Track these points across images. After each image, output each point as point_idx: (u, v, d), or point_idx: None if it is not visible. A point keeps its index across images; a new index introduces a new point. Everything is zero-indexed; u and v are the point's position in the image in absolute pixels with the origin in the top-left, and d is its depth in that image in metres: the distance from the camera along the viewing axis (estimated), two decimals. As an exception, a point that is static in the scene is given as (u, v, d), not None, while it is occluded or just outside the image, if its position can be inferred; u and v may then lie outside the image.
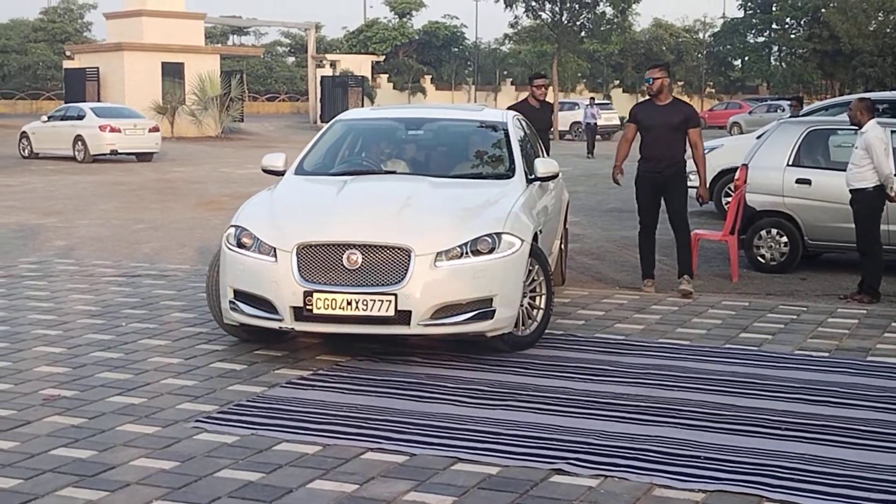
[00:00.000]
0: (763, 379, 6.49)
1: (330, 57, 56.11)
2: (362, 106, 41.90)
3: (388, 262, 6.56)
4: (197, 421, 5.53)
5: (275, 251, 6.71)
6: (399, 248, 6.58)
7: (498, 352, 7.00)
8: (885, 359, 7.11)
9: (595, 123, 35.40)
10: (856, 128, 9.42)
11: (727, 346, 7.46)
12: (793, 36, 70.61)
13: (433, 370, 6.61)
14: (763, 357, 7.11)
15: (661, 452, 5.07)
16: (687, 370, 6.69)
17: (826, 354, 7.23)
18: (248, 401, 5.93)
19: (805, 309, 8.82)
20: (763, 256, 10.96)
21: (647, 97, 9.61)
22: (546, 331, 7.43)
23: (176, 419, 5.58)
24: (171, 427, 5.44)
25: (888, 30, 56.57)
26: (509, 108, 10.28)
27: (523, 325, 7.11)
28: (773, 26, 72.12)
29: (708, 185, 9.91)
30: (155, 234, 13.72)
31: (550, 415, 5.69)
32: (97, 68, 42.28)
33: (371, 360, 6.84)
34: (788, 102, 18.89)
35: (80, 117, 29.27)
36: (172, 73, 42.45)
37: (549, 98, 10.45)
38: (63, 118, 30.00)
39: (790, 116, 15.39)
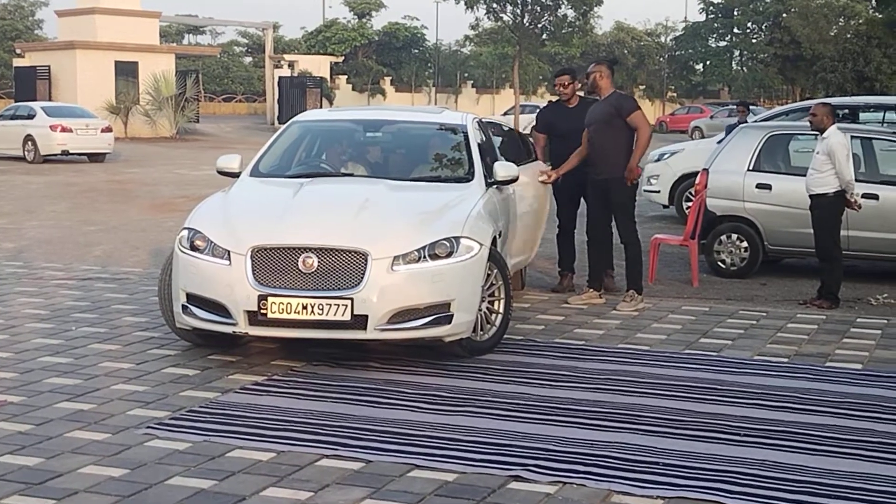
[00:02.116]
0: (723, 384, 6.53)
1: (288, 57, 55.90)
2: (321, 107, 41.77)
3: (344, 266, 6.54)
4: (148, 427, 5.48)
5: (229, 254, 6.67)
6: (355, 252, 6.56)
7: (457, 357, 7.00)
8: (845, 364, 7.18)
9: None
10: (816, 133, 9.49)
11: (687, 351, 7.50)
12: (754, 41, 71.32)
13: (391, 375, 6.60)
14: (723, 362, 7.15)
15: (621, 459, 5.09)
16: (647, 375, 6.72)
17: (785, 360, 7.29)
18: (201, 407, 5.88)
19: (765, 314, 8.89)
20: (723, 261, 11.03)
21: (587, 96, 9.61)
22: (505, 336, 7.43)
23: (126, 425, 5.52)
24: (122, 433, 5.39)
25: (849, 35, 57.26)
26: (540, 111, 10.31)
27: (482, 329, 7.12)
28: (735, 31, 72.80)
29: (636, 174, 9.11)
30: (107, 236, 13.60)
31: (509, 421, 5.69)
32: (48, 67, 41.85)
33: (327, 365, 6.81)
34: (735, 107, 18.81)
35: (31, 116, 28.96)
36: (126, 72, 42.12)
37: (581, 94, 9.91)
38: (13, 117, 29.67)
39: (738, 123, 15.51)
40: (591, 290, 9.24)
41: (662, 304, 9.23)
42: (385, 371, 6.70)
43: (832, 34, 58.93)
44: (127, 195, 19.56)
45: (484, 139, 8.64)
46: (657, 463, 5.04)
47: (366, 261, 6.53)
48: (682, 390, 6.38)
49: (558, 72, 10.06)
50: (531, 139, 10.39)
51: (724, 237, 11.02)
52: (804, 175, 9.66)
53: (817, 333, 8.19)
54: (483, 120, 9.25)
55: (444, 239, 6.78)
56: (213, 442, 5.26)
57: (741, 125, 13.15)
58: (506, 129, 10.27)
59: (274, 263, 6.58)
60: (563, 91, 9.83)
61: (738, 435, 5.51)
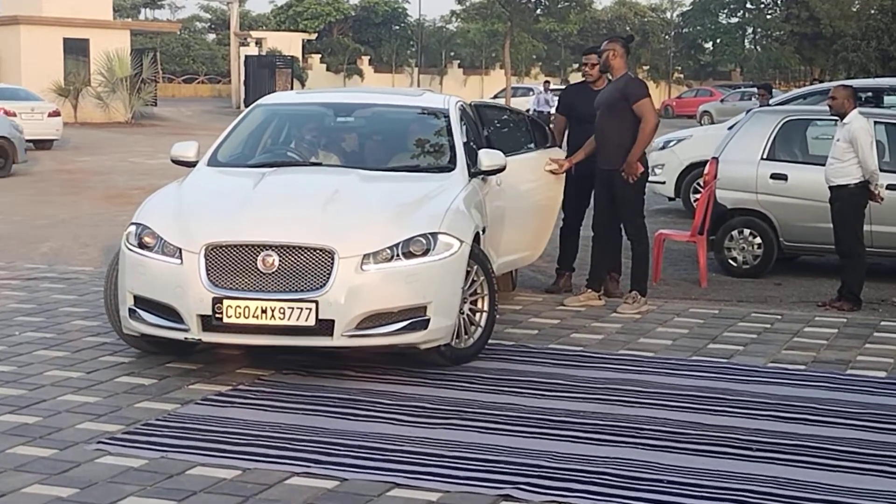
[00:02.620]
0: (733, 394, 6.55)
1: (255, 34, 55.79)
2: (292, 89, 41.74)
3: (308, 266, 6.51)
4: (99, 442, 5.47)
5: (180, 252, 6.63)
6: (321, 250, 6.53)
7: (440, 365, 7.00)
8: (867, 372, 7.21)
9: (548, 112, 34.90)
10: (836, 118, 9.52)
11: (694, 358, 7.52)
12: (769, 16, 71.55)
13: (368, 385, 6.60)
14: (733, 370, 7.18)
15: (621, 476, 5.09)
16: (650, 385, 6.74)
17: (802, 367, 7.32)
18: (158, 419, 5.87)
19: (780, 317, 8.92)
20: (734, 259, 11.07)
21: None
22: (494, 341, 7.44)
23: (75, 440, 5.51)
24: (70, 449, 5.38)
25: (872, 11, 57.48)
26: (563, 91, 10.36)
27: (464, 335, 7.09)
28: (748, 6, 73.05)
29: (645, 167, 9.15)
30: (55, 231, 13.57)
31: (498, 434, 5.69)
32: (-11, 44, 41.68)
33: (298, 374, 6.81)
34: (756, 91, 18.82)
35: (-31, 100, 28.82)
36: (76, 50, 41.93)
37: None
38: (-50, 100, 29.50)
39: (759, 107, 15.55)
40: (590, 290, 9.25)
41: (667, 307, 9.26)
42: (361, 380, 6.70)
43: (854, 10, 59.17)
44: (77, 186, 19.51)
45: (469, 125, 8.64)
46: (660, 480, 5.05)
47: (332, 260, 6.50)
48: (689, 401, 6.40)
49: (586, 50, 10.12)
50: (552, 124, 10.38)
51: (735, 232, 11.05)
52: (823, 164, 9.69)
53: (837, 338, 8.22)
54: (474, 103, 9.24)
55: (420, 235, 6.75)
56: (171, 458, 5.25)
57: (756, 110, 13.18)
58: (508, 111, 10.23)
59: (230, 263, 6.55)
60: (589, 72, 9.85)
61: (750, 450, 5.52)
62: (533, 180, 9.18)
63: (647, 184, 9.34)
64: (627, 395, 6.50)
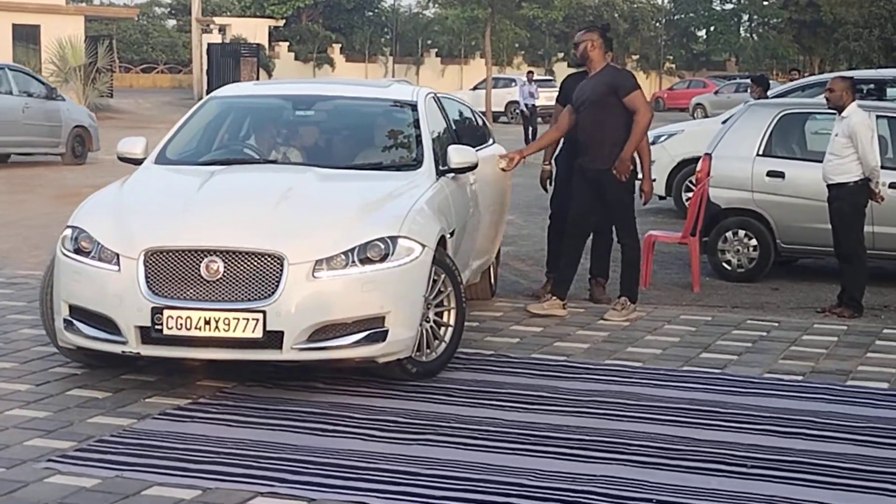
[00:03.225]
0: (727, 407, 6.56)
1: (218, 20, 55.63)
2: (258, 79, 41.65)
3: (255, 272, 6.45)
4: (49, 460, 5.45)
5: (118, 258, 6.57)
6: (269, 255, 6.47)
7: (402, 379, 6.93)
8: (868, 383, 7.25)
9: (533, 105, 34.98)
10: (835, 112, 9.54)
11: (685, 368, 7.54)
12: (766, 3, 71.84)
13: (337, 398, 6.59)
14: (727, 381, 7.20)
15: (607, 495, 5.10)
16: (638, 397, 6.75)
17: (800, 378, 7.34)
18: (113, 435, 5.85)
19: (776, 324, 8.95)
20: (729, 262, 11.10)
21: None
22: (472, 350, 7.44)
23: (23, 458, 5.48)
24: (18, 468, 5.35)
25: (875, -3, 57.77)
26: (564, 80, 10.09)
27: (427, 347, 7.01)
28: (744, -9, 73.32)
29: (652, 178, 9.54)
30: (2, 232, 13.51)
31: (476, 451, 5.69)
32: (-69, 31, 41.48)
33: (262, 386, 6.79)
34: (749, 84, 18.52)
35: (-90, 90, 28.63)
36: (26, 37, 41.79)
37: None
38: None
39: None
40: (555, 297, 9.09)
41: (658, 313, 9.28)
42: (331, 392, 6.69)
43: (856, -4, 59.39)
44: (26, 184, 19.43)
45: (440, 119, 8.60)
46: (649, 500, 5.06)
47: (281, 266, 6.44)
48: (680, 414, 6.41)
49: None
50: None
51: (729, 234, 11.09)
52: (822, 161, 9.72)
53: (837, 347, 8.25)
54: (437, 95, 9.16)
55: (378, 239, 6.67)
56: (126, 478, 5.23)
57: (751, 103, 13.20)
58: (461, 104, 10.11)
59: (171, 269, 6.49)
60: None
61: (745, 466, 5.54)
62: (492, 177, 9.13)
63: (637, 181, 9.35)
64: (615, 408, 6.50)
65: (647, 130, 9.20)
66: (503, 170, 9.29)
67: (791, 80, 21.85)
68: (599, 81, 8.99)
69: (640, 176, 9.41)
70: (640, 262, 9.27)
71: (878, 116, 10.43)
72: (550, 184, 9.89)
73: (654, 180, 16.13)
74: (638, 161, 9.21)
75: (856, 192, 9.39)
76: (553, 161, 9.94)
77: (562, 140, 9.64)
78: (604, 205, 9.09)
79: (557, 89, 10.37)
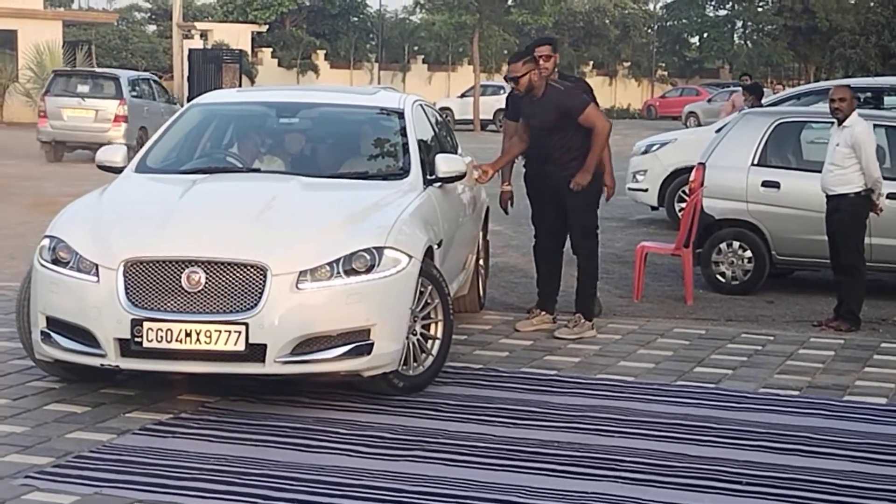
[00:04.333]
0: (721, 423, 6.58)
1: (200, 26, 55.61)
2: (240, 86, 41.64)
3: (237, 284, 6.45)
4: (27, 477, 5.43)
5: (97, 269, 6.56)
6: (252, 266, 6.47)
7: (388, 393, 6.92)
8: (866, 398, 7.26)
9: None
10: (832, 121, 9.54)
11: (679, 383, 7.55)
12: (760, 9, 71.97)
13: (323, 412, 6.59)
14: (721, 396, 7.21)
15: (599, 513, 5.12)
16: (630, 412, 6.75)
17: (796, 393, 7.36)
18: (92, 451, 5.84)
19: (772, 338, 8.97)
20: (723, 274, 11.11)
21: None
22: (460, 364, 7.44)
23: (0, 475, 5.46)
24: (-6, 485, 5.34)
25: (872, 3, 57.92)
26: (509, 94, 9.75)
27: (414, 361, 7.00)
28: (738, -3, 73.47)
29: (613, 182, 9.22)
30: (-23, 242, 13.46)
31: (465, 467, 5.70)
32: None
33: (246, 400, 6.78)
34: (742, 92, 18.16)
35: None
36: (2, 42, 41.74)
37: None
38: None
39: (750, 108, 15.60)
40: (544, 312, 9.06)
41: (650, 326, 9.29)
42: (316, 407, 6.69)
43: (852, 2, 59.60)
44: (3, 192, 19.37)
45: (427, 127, 8.60)
46: (643, 518, 5.08)
47: (264, 277, 6.44)
48: (673, 430, 6.42)
49: (537, 42, 9.52)
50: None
51: (723, 245, 11.09)
52: (819, 171, 9.73)
53: (834, 361, 8.27)
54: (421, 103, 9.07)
55: (364, 250, 6.67)
56: (105, 494, 5.22)
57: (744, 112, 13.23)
58: (436, 111, 9.97)
59: (152, 280, 6.48)
60: (543, 65, 9.07)
61: (740, 483, 5.55)
62: (469, 188, 9.09)
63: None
64: (606, 423, 6.51)
65: (608, 140, 8.91)
66: (477, 181, 9.15)
67: (741, 84, 21.62)
68: (546, 107, 8.67)
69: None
70: (596, 277, 9.10)
71: (875, 125, 10.39)
72: (511, 205, 9.69)
73: (647, 190, 16.43)
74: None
75: (857, 204, 9.39)
76: (524, 179, 9.75)
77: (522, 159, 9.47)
78: (564, 209, 8.86)
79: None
